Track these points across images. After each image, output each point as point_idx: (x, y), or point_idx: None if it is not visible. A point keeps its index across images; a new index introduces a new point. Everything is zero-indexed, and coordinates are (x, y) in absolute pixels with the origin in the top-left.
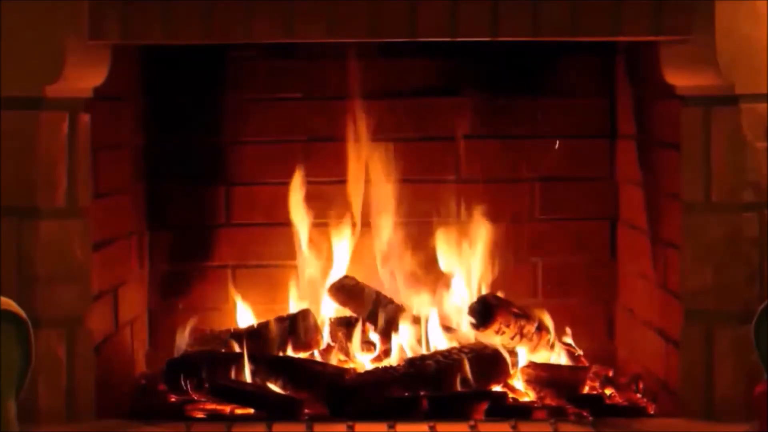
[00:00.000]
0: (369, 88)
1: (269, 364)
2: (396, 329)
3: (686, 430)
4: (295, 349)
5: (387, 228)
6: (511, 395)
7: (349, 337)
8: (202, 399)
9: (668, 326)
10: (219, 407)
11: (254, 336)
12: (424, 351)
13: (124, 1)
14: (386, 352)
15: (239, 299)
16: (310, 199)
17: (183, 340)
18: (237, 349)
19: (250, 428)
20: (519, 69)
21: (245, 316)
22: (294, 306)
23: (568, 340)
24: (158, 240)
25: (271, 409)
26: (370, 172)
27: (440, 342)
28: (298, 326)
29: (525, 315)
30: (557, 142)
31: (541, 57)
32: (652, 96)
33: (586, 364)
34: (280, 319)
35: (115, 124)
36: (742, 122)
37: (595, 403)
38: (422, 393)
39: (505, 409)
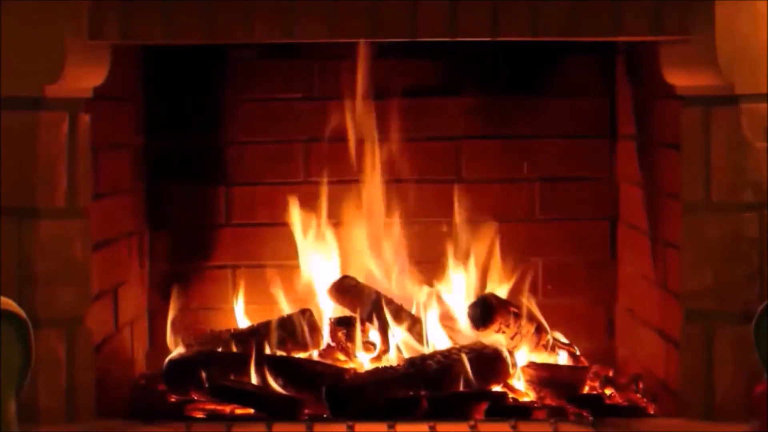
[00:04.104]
0: (369, 88)
1: (269, 364)
2: (396, 329)
3: (686, 430)
4: (295, 349)
5: (387, 228)
6: (511, 395)
7: (349, 337)
8: (202, 399)
9: (668, 326)
10: (219, 407)
11: (254, 336)
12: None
13: (124, 1)
14: (386, 352)
15: (239, 301)
16: (310, 199)
17: (180, 339)
18: (237, 349)
19: (250, 428)
20: (519, 69)
21: (245, 316)
22: (294, 306)
23: (568, 340)
24: (158, 240)
25: (271, 409)
26: (370, 172)
27: (440, 342)
28: (298, 326)
29: (524, 315)
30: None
31: (541, 57)
32: (652, 96)
33: (586, 364)
34: (281, 319)
35: (115, 124)
36: (742, 122)
37: (595, 403)
38: (422, 393)
39: (505, 409)
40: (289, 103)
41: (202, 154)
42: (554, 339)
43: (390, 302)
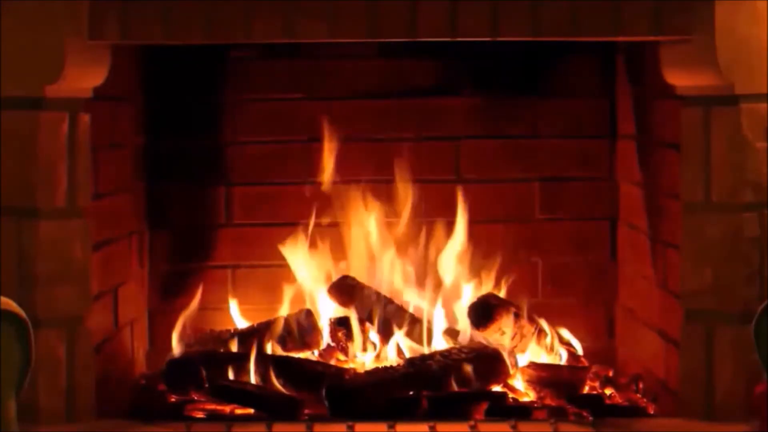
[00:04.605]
0: (369, 88)
1: (269, 364)
2: (396, 329)
3: (686, 430)
4: (295, 349)
5: (387, 228)
6: (511, 395)
7: (349, 337)
8: (202, 399)
9: (668, 326)
10: (219, 407)
11: (254, 336)
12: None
13: (124, 1)
14: (386, 352)
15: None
16: (310, 199)
17: (182, 339)
18: (237, 349)
19: (250, 428)
20: (519, 69)
21: (245, 317)
22: (294, 306)
23: (568, 339)
24: (158, 240)
25: (271, 409)
26: (370, 173)
27: (440, 342)
28: (298, 326)
29: (524, 315)
30: None
31: (541, 57)
32: (652, 96)
33: (586, 364)
34: (280, 319)
35: (115, 124)
36: (742, 122)
37: (595, 403)
38: (422, 393)
39: (505, 409)
40: (289, 103)
41: (202, 154)
42: (554, 339)
43: (390, 302)
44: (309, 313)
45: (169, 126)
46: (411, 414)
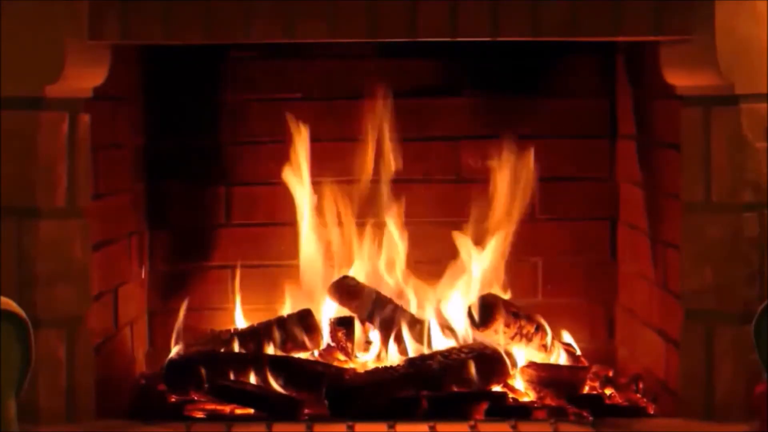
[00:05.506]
0: (369, 88)
1: (269, 364)
2: (395, 329)
3: (686, 430)
4: (295, 349)
5: (387, 228)
6: (511, 395)
7: (349, 337)
8: (202, 399)
9: (668, 326)
10: (219, 407)
11: (254, 336)
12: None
13: (124, 1)
14: (386, 352)
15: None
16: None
17: (179, 339)
18: (237, 349)
19: (250, 428)
20: (519, 69)
21: (245, 317)
22: (294, 306)
23: (568, 340)
24: (158, 240)
25: (271, 409)
26: (370, 172)
27: (440, 342)
28: (298, 326)
29: (524, 315)
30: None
31: (541, 57)
32: (652, 96)
33: (586, 364)
34: (281, 319)
35: (115, 124)
36: (742, 122)
37: (595, 403)
38: (422, 393)
39: (505, 409)
40: (289, 103)
41: (202, 154)
42: (554, 339)
43: (390, 302)
44: (309, 313)
45: (169, 126)
46: (411, 414)
